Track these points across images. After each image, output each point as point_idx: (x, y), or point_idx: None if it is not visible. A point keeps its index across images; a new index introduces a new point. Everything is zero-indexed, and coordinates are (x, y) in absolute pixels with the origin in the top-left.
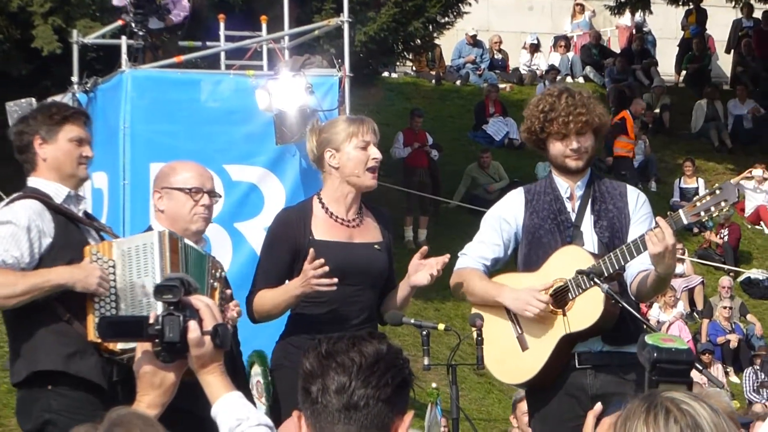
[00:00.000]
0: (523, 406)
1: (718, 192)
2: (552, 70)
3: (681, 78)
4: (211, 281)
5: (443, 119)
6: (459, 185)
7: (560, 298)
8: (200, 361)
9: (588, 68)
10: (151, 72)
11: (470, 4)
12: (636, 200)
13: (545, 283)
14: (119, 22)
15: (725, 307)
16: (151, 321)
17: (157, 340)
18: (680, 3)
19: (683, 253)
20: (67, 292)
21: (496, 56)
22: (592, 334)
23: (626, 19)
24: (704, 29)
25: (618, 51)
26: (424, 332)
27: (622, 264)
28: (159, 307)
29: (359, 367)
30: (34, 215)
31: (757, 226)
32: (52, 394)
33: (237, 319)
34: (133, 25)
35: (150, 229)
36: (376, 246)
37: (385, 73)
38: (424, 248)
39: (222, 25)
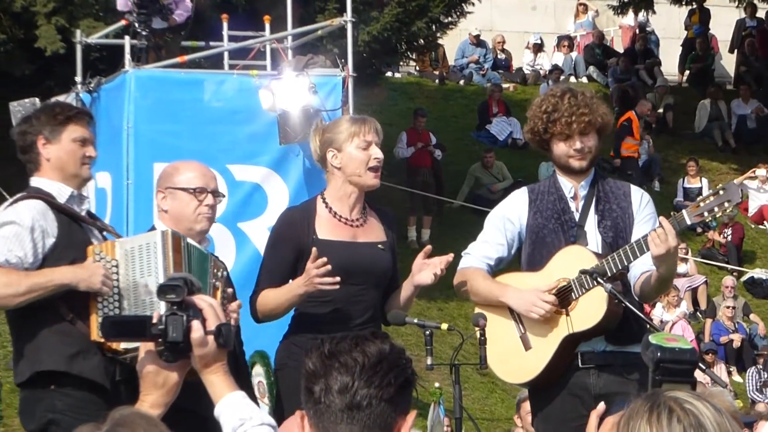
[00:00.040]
0: (528, 405)
1: (721, 192)
2: (555, 69)
3: (684, 78)
4: (213, 281)
5: (446, 119)
6: (462, 185)
7: (563, 297)
8: (203, 360)
9: (591, 68)
10: (154, 72)
11: (473, 4)
12: (640, 200)
13: (549, 283)
14: (122, 22)
15: (728, 307)
16: (155, 321)
17: (160, 340)
18: (683, 3)
19: (686, 253)
20: (70, 291)
21: (499, 56)
22: (596, 333)
23: (629, 18)
24: (707, 29)
25: (621, 51)
26: (428, 332)
27: (626, 264)
28: (162, 307)
29: (362, 367)
30: (38, 215)
31: (760, 226)
32: (55, 394)
33: (238, 318)
34: (136, 25)
35: (153, 228)
36: (379, 246)
37: (389, 73)
38: (428, 247)
39: (225, 25)
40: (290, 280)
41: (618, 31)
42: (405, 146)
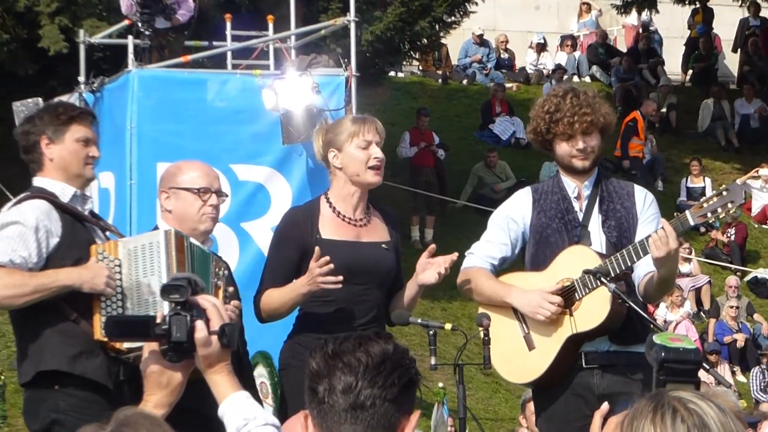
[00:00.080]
0: (533, 405)
1: (725, 193)
2: (558, 69)
3: (688, 77)
4: (215, 280)
5: (450, 119)
6: (465, 185)
7: (567, 297)
8: (207, 360)
9: (594, 67)
10: (157, 72)
11: (477, 4)
12: (644, 200)
13: (553, 283)
14: (126, 22)
15: (732, 307)
16: (158, 321)
17: (164, 340)
18: (687, 2)
19: (690, 253)
20: (73, 291)
21: (502, 55)
22: (599, 334)
23: (633, 18)
24: (711, 28)
25: (624, 50)
26: (431, 332)
27: (629, 264)
28: (166, 307)
29: (366, 367)
30: (42, 215)
31: (764, 226)
32: (59, 394)
33: (234, 318)
34: (139, 24)
35: (156, 228)
36: (383, 245)
37: (392, 73)
38: (432, 246)
39: (228, 24)
40: (294, 280)
41: (621, 31)
42: (408, 146)
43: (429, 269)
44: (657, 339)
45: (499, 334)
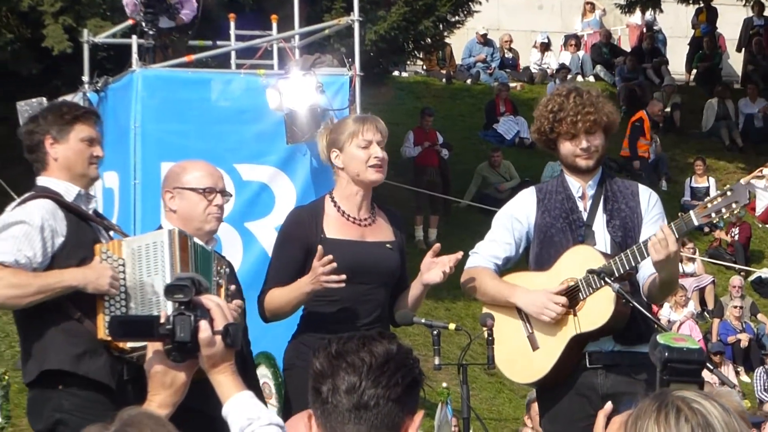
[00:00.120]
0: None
1: (729, 193)
2: (562, 68)
3: (692, 77)
4: (217, 278)
5: (454, 118)
6: (470, 184)
7: (571, 297)
8: (211, 360)
9: (598, 67)
10: (161, 71)
11: (480, 3)
12: (648, 200)
13: (557, 283)
14: (130, 22)
15: (736, 307)
16: (162, 321)
17: (168, 340)
18: (691, 1)
19: (694, 253)
20: (78, 291)
21: (506, 55)
22: (603, 333)
23: (637, 17)
24: (715, 28)
25: (628, 50)
26: (435, 332)
27: (633, 265)
28: (169, 307)
29: (369, 367)
30: (47, 214)
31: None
32: (63, 394)
33: (236, 317)
34: (143, 24)
35: (160, 228)
36: (388, 245)
37: (396, 72)
38: (437, 246)
39: (232, 24)
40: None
41: (625, 30)
42: (412, 145)
43: (434, 268)
44: (661, 339)
45: (503, 334)
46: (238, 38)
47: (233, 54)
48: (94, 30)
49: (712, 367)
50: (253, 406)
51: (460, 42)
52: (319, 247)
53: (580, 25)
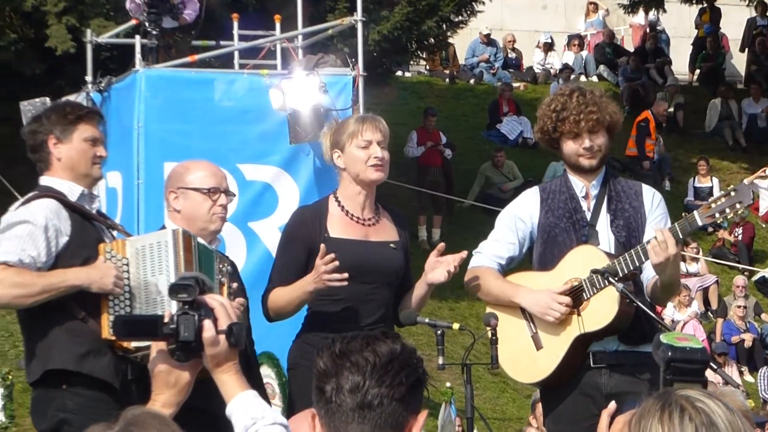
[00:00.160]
0: None
1: (733, 194)
2: (566, 68)
3: (695, 77)
4: (219, 277)
5: (457, 118)
6: (473, 184)
7: (575, 297)
8: (215, 360)
9: (602, 67)
10: (164, 71)
11: (484, 3)
12: (652, 200)
13: (561, 283)
14: (133, 22)
15: (739, 307)
16: (166, 320)
17: (172, 339)
18: (694, 1)
19: (697, 252)
20: (82, 290)
21: (509, 55)
22: (607, 333)
23: (640, 17)
24: (718, 28)
25: (632, 50)
26: (439, 332)
27: (637, 264)
28: (174, 306)
29: (373, 366)
30: (51, 214)
31: None
32: (67, 393)
33: (239, 315)
34: (146, 24)
35: (164, 228)
36: (391, 245)
37: (399, 72)
38: (441, 245)
39: (235, 24)
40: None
41: (628, 30)
42: (415, 145)
43: (438, 268)
44: (664, 338)
45: (507, 333)
46: (242, 38)
47: (236, 54)
48: (97, 30)
49: (715, 367)
50: (257, 405)
51: (463, 42)
52: (322, 245)
53: (583, 25)
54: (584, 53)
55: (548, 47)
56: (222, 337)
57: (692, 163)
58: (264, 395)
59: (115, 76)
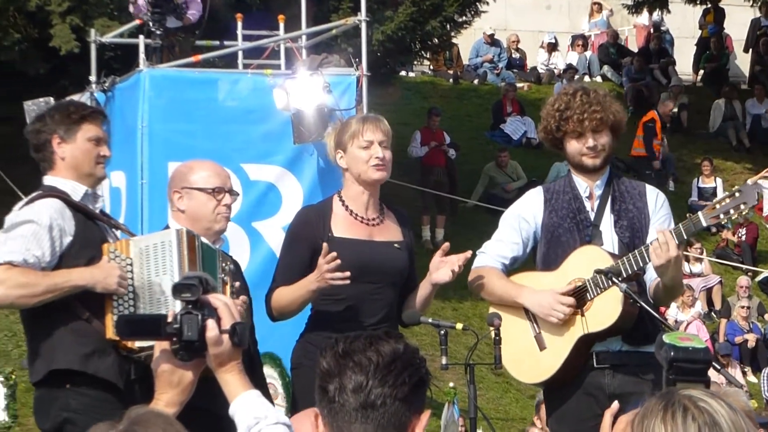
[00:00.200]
0: None
1: (737, 194)
2: (570, 69)
3: (699, 77)
4: (222, 275)
5: (461, 118)
6: (477, 184)
7: (579, 297)
8: (218, 359)
9: (606, 67)
10: (168, 71)
11: (488, 3)
12: (656, 200)
13: (565, 284)
14: (137, 22)
15: (743, 307)
16: (170, 319)
17: (175, 339)
18: (698, 2)
19: (701, 253)
20: (86, 290)
21: (513, 55)
22: (611, 334)
23: (644, 18)
24: (722, 28)
25: (636, 50)
26: (442, 331)
27: (641, 265)
28: (177, 306)
29: (376, 366)
30: (56, 214)
31: None
32: (70, 393)
33: (242, 312)
34: (150, 24)
35: (167, 227)
36: (396, 245)
37: (403, 72)
38: (446, 245)
39: (239, 24)
40: None
41: (632, 31)
42: (419, 145)
43: (442, 268)
44: (667, 338)
45: (510, 333)
46: (245, 38)
47: (240, 54)
48: (101, 30)
49: (718, 367)
50: (260, 405)
51: (467, 42)
52: (324, 244)
53: (587, 25)
54: (588, 53)
55: (552, 47)
56: (225, 336)
57: (696, 163)
58: (267, 395)
59: (118, 75)
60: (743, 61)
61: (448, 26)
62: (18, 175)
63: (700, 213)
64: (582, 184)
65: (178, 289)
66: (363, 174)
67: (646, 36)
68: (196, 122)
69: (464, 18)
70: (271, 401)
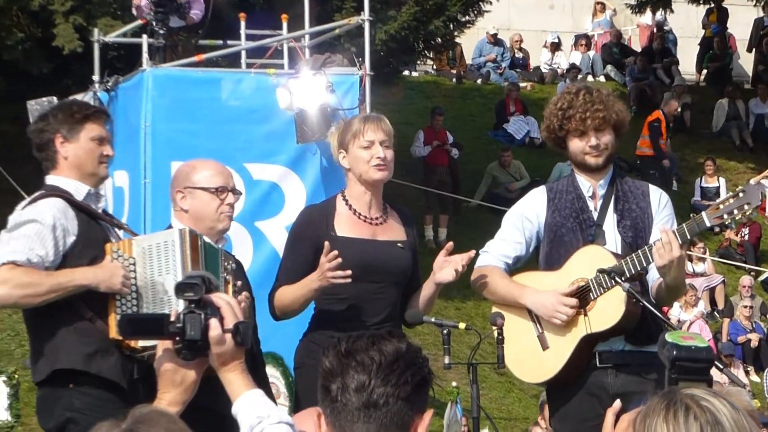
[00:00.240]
0: None
1: (741, 195)
2: (573, 68)
3: (702, 77)
4: (224, 275)
5: (464, 118)
6: (480, 184)
7: (582, 297)
8: (221, 359)
9: (609, 67)
10: (171, 71)
11: (491, 3)
12: (659, 200)
13: (568, 284)
14: (140, 21)
15: (746, 306)
16: (173, 319)
17: (178, 338)
18: (701, 2)
19: (704, 252)
20: (90, 290)
21: (516, 55)
22: (614, 334)
23: (647, 17)
24: (725, 28)
25: (639, 50)
26: (445, 331)
27: (645, 265)
28: (180, 305)
29: (379, 365)
30: (59, 214)
31: None
32: (74, 392)
33: (245, 308)
34: (154, 23)
35: (170, 227)
36: (399, 244)
37: (406, 72)
38: (450, 244)
39: (243, 23)
40: None
41: (636, 30)
42: (422, 145)
43: (446, 267)
44: (669, 337)
45: (513, 333)
46: (249, 38)
47: (243, 53)
48: (104, 29)
49: (722, 367)
50: (263, 404)
51: (470, 42)
52: (326, 243)
53: (590, 25)
54: (591, 53)
55: (555, 47)
56: (228, 335)
57: (699, 163)
58: (270, 394)
59: (122, 75)
60: (746, 61)
61: (451, 26)
62: (21, 174)
63: (703, 213)
64: (585, 183)
65: (180, 289)
66: (364, 174)
67: (649, 36)
68: (199, 122)
69: (467, 17)
70: (274, 401)
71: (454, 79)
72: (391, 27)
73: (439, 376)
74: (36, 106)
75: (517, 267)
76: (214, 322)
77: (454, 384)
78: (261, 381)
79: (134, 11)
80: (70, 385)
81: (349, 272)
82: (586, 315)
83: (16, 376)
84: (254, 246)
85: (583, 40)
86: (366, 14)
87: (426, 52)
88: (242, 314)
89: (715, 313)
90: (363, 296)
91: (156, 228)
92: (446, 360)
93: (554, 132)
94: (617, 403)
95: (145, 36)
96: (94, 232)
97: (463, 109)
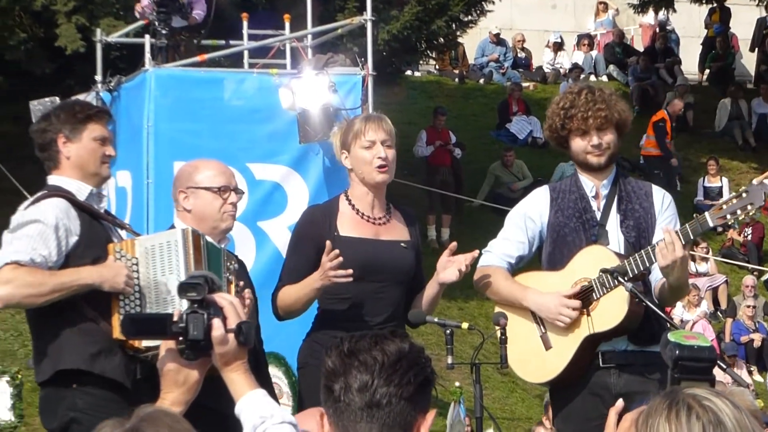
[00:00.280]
0: None
1: (744, 195)
2: (575, 68)
3: (704, 76)
4: (227, 275)
5: (466, 118)
6: (482, 184)
7: (584, 297)
8: (224, 358)
9: (611, 67)
10: (174, 71)
11: (493, 3)
12: (662, 201)
13: (571, 284)
14: (143, 21)
15: (749, 306)
16: (175, 319)
17: (181, 338)
18: (704, 1)
19: (707, 252)
20: (93, 290)
21: (519, 55)
22: (617, 334)
23: (650, 17)
24: (728, 28)
25: (641, 49)
26: (448, 331)
27: (648, 265)
28: (183, 305)
29: (381, 365)
30: (61, 214)
31: None
32: (77, 392)
33: (250, 306)
34: (156, 23)
35: (173, 227)
36: (402, 244)
37: (408, 72)
38: (453, 244)
39: (245, 23)
40: None
41: (638, 30)
42: (424, 145)
43: (449, 267)
44: (671, 337)
45: (516, 333)
46: (251, 38)
47: (246, 53)
48: (107, 29)
49: (724, 367)
50: (266, 404)
51: (472, 41)
52: (328, 242)
53: (593, 24)
54: (594, 53)
55: (558, 47)
56: (231, 335)
57: (702, 162)
58: (273, 394)
59: (124, 75)
60: (749, 61)
61: (453, 26)
62: (23, 174)
63: (706, 213)
64: (588, 183)
65: (183, 289)
66: (367, 176)
67: (651, 35)
68: (201, 122)
69: (470, 17)
70: (277, 400)
71: (456, 79)
72: (394, 27)
73: (442, 376)
74: (38, 106)
75: (520, 266)
76: (217, 322)
77: (457, 384)
78: (264, 381)
79: (137, 14)
80: (73, 386)
81: (350, 271)
82: (589, 315)
83: (20, 376)
84: (257, 246)
85: (586, 40)
86: (368, 14)
87: (428, 51)
88: (245, 314)
89: (718, 313)
90: (366, 296)
91: (159, 228)
92: (449, 360)
93: (557, 131)
94: (620, 403)
95: (147, 36)
96: (96, 232)
97: (465, 109)
